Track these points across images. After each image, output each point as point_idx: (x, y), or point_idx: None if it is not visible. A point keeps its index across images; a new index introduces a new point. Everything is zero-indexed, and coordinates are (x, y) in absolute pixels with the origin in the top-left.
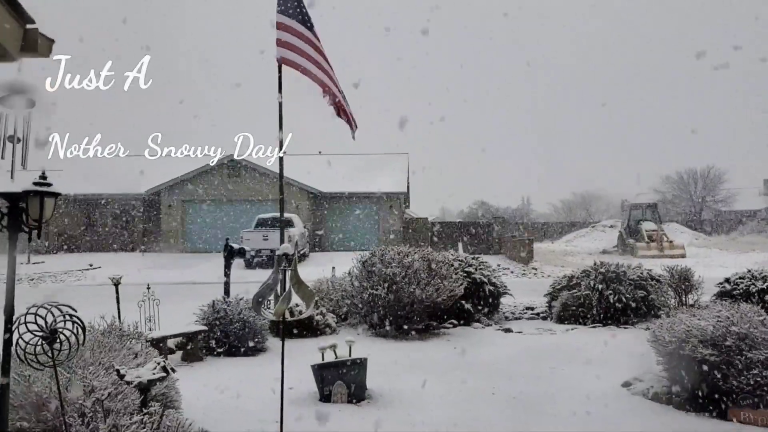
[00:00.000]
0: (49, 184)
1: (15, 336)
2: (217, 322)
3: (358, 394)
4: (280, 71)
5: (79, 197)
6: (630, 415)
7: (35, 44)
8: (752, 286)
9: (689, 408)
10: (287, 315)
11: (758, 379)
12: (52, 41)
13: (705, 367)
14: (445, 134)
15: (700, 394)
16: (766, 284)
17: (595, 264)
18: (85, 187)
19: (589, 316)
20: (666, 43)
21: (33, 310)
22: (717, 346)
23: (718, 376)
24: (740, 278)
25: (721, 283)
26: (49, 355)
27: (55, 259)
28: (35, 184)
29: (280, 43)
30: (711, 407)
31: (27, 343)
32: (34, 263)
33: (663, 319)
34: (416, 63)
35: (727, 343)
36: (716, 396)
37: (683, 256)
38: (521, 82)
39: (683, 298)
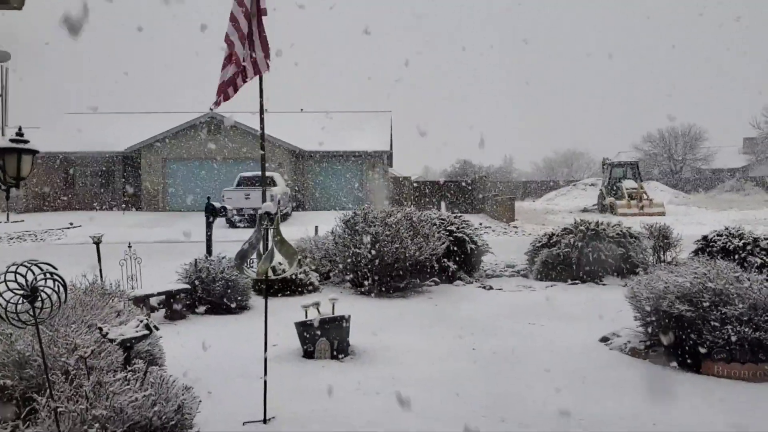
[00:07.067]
0: (26, 141)
1: None
2: (200, 281)
3: (341, 351)
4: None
5: (58, 155)
6: (608, 368)
7: None
8: (729, 244)
9: (665, 362)
10: (270, 273)
11: (731, 334)
12: None
13: (681, 323)
14: (429, 93)
15: (676, 348)
16: (742, 241)
17: (575, 222)
18: (64, 145)
19: (568, 273)
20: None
21: (13, 268)
22: (693, 302)
23: (694, 330)
24: (718, 236)
25: (698, 241)
26: (31, 313)
27: (35, 217)
28: (12, 141)
29: None
30: (686, 361)
31: (8, 301)
32: (13, 222)
33: (641, 276)
34: (398, 20)
35: (704, 298)
36: (691, 350)
37: (663, 214)
38: (505, 42)
39: (662, 256)
